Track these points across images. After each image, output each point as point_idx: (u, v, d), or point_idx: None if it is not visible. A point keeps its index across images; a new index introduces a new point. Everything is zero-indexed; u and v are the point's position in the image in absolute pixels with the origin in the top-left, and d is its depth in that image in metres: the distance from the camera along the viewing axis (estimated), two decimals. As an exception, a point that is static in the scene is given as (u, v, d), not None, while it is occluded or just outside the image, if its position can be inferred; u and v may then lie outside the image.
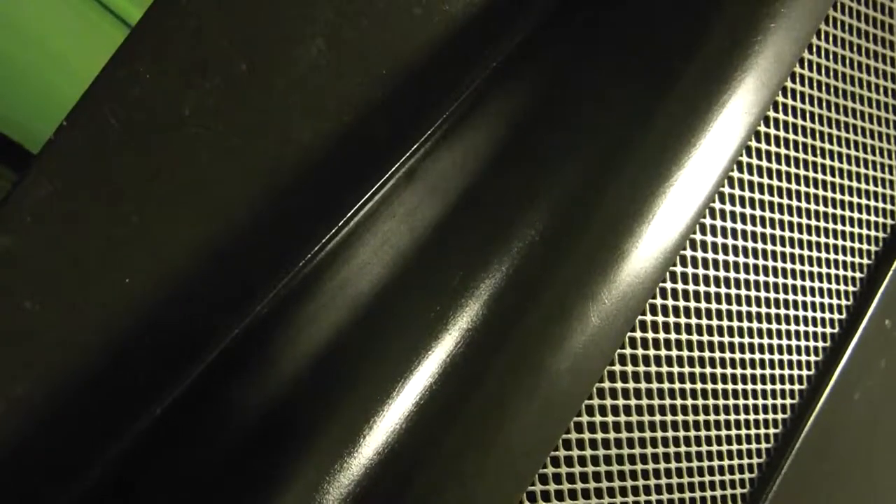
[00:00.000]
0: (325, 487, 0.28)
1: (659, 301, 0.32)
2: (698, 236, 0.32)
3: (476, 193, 0.31)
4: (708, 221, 0.33)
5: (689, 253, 0.32)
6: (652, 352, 0.32)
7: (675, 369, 0.33)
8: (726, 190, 0.33)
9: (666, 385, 0.32)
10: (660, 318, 0.32)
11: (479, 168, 0.32)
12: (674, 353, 0.32)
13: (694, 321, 0.33)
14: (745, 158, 0.33)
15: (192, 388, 0.30)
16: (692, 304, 0.33)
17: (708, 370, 0.33)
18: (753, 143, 0.33)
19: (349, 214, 0.31)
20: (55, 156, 0.27)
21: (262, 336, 0.30)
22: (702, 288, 0.33)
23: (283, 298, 0.30)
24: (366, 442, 0.29)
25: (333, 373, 0.30)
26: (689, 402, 0.33)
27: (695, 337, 0.33)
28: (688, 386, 0.33)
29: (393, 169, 0.31)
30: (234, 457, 0.29)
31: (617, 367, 0.31)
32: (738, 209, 0.33)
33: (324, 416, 0.29)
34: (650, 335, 0.32)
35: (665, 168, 0.31)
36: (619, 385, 0.31)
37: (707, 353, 0.33)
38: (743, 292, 0.34)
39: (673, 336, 0.32)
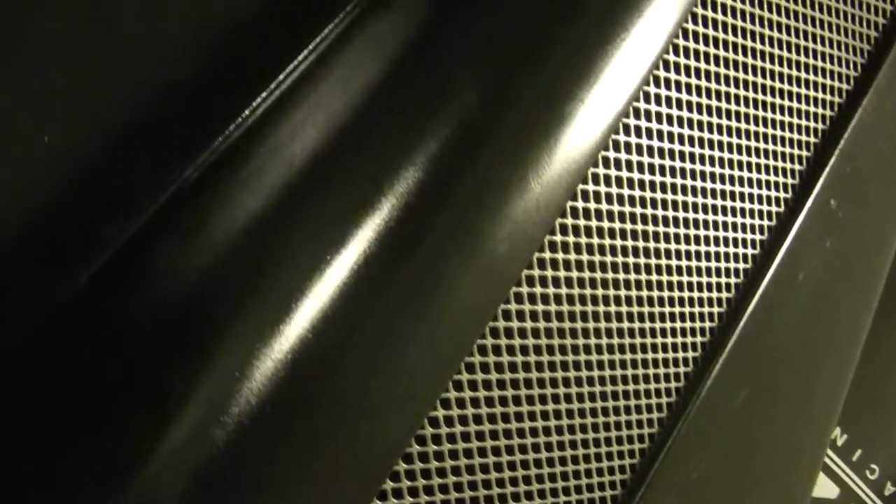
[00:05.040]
0: (257, 355, 0.27)
1: (602, 171, 0.31)
2: (642, 105, 0.32)
3: (415, 55, 0.30)
4: (652, 90, 0.32)
5: (632, 121, 0.31)
6: (594, 223, 0.31)
7: (619, 242, 0.32)
8: (671, 58, 0.32)
9: (608, 258, 0.32)
10: (602, 189, 0.31)
11: (419, 30, 0.31)
12: (616, 225, 0.32)
13: (637, 193, 0.32)
14: (691, 26, 0.32)
15: (118, 255, 0.29)
16: (635, 176, 0.32)
17: (652, 244, 0.33)
18: (700, 10, 0.32)
19: (281, 77, 0.30)
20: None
21: (191, 201, 0.29)
22: (645, 159, 0.32)
23: (213, 163, 0.29)
24: (299, 309, 0.28)
25: (266, 238, 0.29)
26: (633, 276, 0.33)
27: (638, 210, 0.32)
28: (630, 260, 0.32)
29: (326, 31, 0.30)
30: (162, 327, 0.28)
31: (558, 238, 0.31)
32: (683, 79, 0.32)
33: (257, 282, 0.28)
34: (592, 205, 0.31)
35: (610, 29, 0.30)
36: (560, 256, 0.31)
37: (651, 227, 0.33)
38: (688, 166, 0.33)
39: (616, 208, 0.32)
